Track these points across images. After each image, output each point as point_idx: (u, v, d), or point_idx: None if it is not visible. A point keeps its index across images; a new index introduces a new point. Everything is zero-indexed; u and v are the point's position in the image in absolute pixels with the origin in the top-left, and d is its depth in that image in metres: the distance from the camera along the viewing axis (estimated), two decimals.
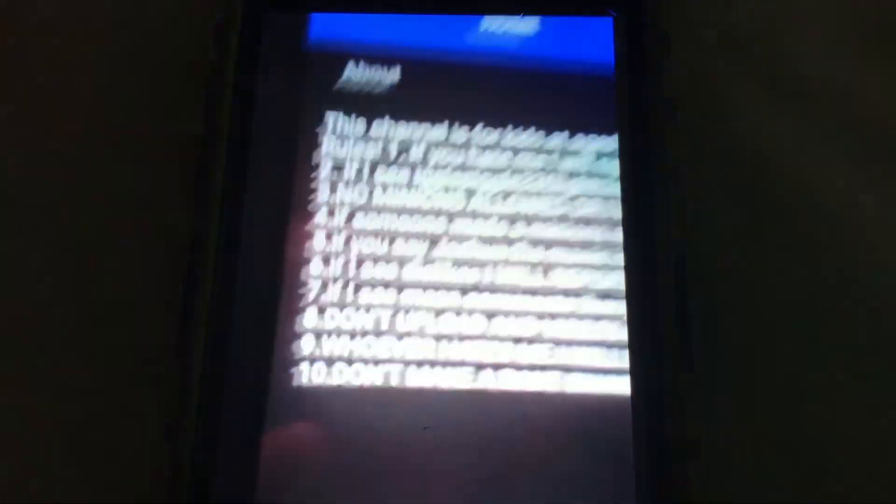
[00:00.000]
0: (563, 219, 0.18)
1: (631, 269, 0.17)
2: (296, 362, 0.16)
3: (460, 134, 0.19)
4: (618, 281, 0.18)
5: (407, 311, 0.18)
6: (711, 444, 0.15)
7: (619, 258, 0.18)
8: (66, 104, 0.18)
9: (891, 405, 0.16)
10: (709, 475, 0.15)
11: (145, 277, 0.17)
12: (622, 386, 0.16)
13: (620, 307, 0.18)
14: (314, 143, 0.19)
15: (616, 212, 0.18)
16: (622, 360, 0.17)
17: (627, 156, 0.17)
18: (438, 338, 0.18)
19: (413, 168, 0.19)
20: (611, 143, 0.19)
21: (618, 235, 0.18)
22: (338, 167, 0.19)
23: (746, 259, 0.18)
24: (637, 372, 0.16)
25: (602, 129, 0.19)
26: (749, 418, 0.16)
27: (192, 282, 0.15)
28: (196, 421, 0.15)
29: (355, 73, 0.19)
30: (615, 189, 0.19)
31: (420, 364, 0.17)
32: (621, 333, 0.18)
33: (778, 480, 0.16)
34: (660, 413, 0.15)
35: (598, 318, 0.18)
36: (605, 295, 0.18)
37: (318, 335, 0.17)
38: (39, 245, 0.17)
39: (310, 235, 0.18)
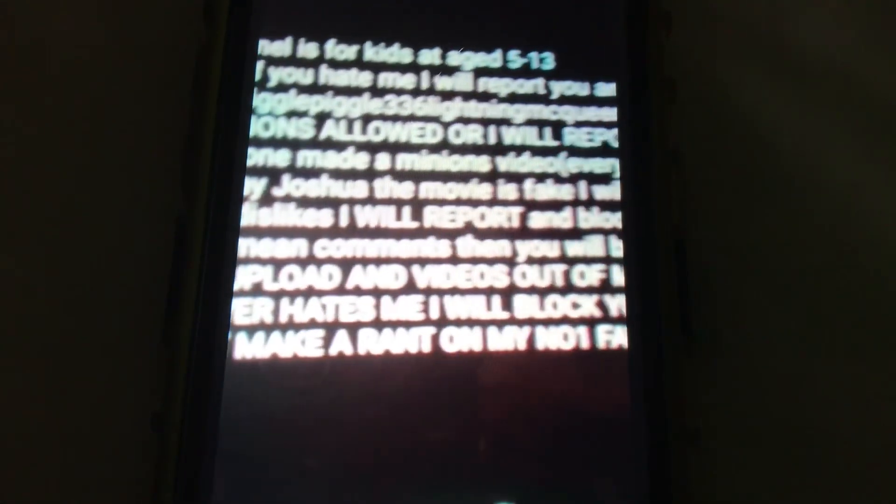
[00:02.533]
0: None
1: (631, 250, 0.16)
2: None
3: (309, 49, 0.17)
4: (507, 217, 0.15)
5: (244, 264, 0.15)
6: (711, 434, 0.15)
7: (508, 189, 0.15)
8: (51, 88, 0.17)
9: (892, 398, 0.16)
10: (708, 464, 0.15)
11: (132, 265, 0.16)
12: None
13: (506, 247, 0.15)
14: None
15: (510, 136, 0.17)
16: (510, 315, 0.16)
17: (627, 136, 0.17)
18: (279, 296, 0.15)
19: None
20: (492, 59, 0.17)
21: (508, 162, 0.17)
22: None
23: (747, 241, 0.17)
24: (638, 358, 0.15)
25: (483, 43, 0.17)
26: (749, 407, 0.16)
27: (179, 268, 0.15)
28: (183, 411, 0.14)
29: None
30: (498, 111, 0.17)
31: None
32: (514, 279, 0.16)
33: (777, 470, 0.16)
34: (660, 403, 0.15)
35: (476, 261, 0.15)
36: (486, 235, 0.15)
37: None
38: (25, 234, 0.16)
39: None
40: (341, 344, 0.15)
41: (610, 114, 0.17)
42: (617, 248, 0.16)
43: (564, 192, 0.17)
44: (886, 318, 0.17)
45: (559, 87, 0.17)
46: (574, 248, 0.16)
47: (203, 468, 0.14)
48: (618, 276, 0.16)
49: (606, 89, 0.17)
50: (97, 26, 0.18)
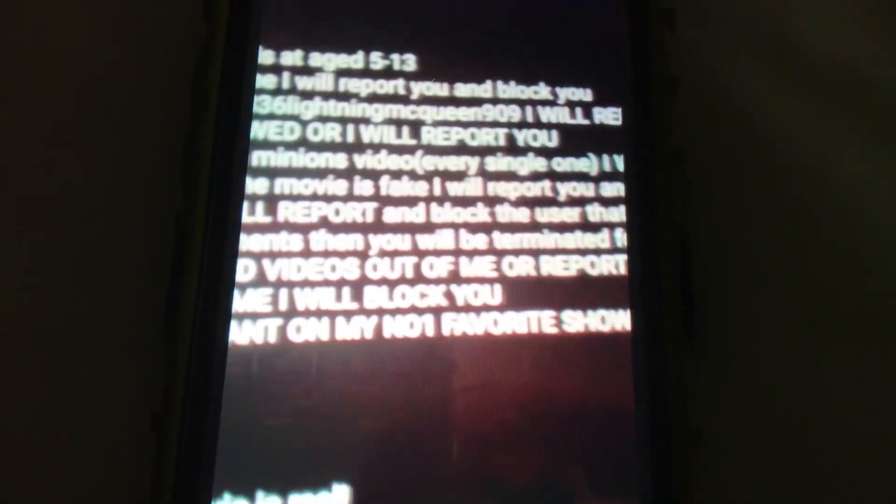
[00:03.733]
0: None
1: (634, 250, 0.16)
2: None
3: None
4: (362, 212, 0.16)
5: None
6: (713, 433, 0.15)
7: (364, 185, 0.16)
8: (52, 87, 0.17)
9: (894, 397, 0.16)
10: (711, 464, 0.15)
11: (131, 264, 0.16)
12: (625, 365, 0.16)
13: (359, 241, 0.16)
14: None
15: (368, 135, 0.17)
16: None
17: (631, 134, 0.17)
18: None
19: None
20: (354, 60, 0.17)
21: (365, 160, 0.17)
22: None
23: (750, 240, 0.17)
24: (640, 356, 0.15)
25: (345, 46, 0.17)
26: (751, 406, 0.16)
27: (179, 267, 0.15)
28: (183, 410, 0.14)
29: None
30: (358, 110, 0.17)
31: None
32: (365, 272, 0.16)
33: (779, 469, 0.16)
34: (663, 401, 0.15)
35: (328, 255, 0.16)
36: (339, 229, 0.16)
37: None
38: (25, 233, 0.16)
39: None
40: None
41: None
42: (466, 240, 0.17)
43: (419, 188, 0.17)
44: (889, 317, 0.17)
45: (419, 88, 0.18)
46: (425, 241, 0.17)
47: (202, 468, 0.14)
48: (466, 267, 0.17)
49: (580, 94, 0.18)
50: (98, 26, 0.18)
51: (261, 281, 0.16)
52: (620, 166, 0.18)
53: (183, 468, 0.14)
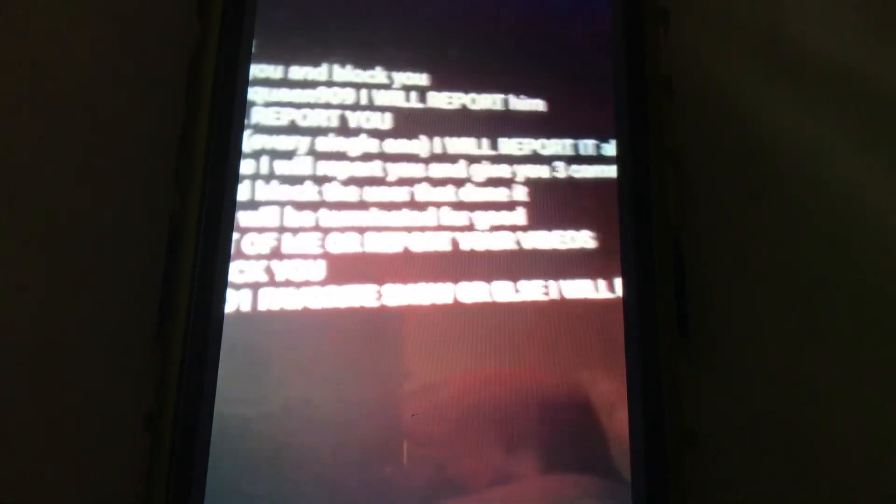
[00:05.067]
0: None
1: (628, 250, 0.16)
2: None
3: None
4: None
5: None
6: (708, 434, 0.15)
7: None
8: (47, 87, 0.17)
9: (890, 398, 0.16)
10: (705, 465, 0.15)
11: (125, 264, 0.16)
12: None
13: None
14: None
15: None
16: None
17: (625, 134, 0.16)
18: None
19: None
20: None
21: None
22: None
23: (745, 241, 0.17)
24: (634, 362, 0.15)
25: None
26: (746, 407, 0.16)
27: (172, 267, 0.14)
28: (176, 410, 0.13)
29: None
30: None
31: None
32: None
33: (775, 471, 0.16)
34: (657, 403, 0.15)
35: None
36: None
37: None
38: (19, 233, 0.16)
39: None
40: None
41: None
42: (291, 218, 0.17)
43: (245, 167, 0.17)
44: (884, 318, 0.17)
45: (253, 70, 0.18)
46: (247, 218, 0.16)
47: (196, 469, 0.13)
48: (289, 243, 0.16)
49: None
50: (93, 25, 0.17)
51: None
52: (451, 148, 0.18)
53: (176, 468, 0.13)
